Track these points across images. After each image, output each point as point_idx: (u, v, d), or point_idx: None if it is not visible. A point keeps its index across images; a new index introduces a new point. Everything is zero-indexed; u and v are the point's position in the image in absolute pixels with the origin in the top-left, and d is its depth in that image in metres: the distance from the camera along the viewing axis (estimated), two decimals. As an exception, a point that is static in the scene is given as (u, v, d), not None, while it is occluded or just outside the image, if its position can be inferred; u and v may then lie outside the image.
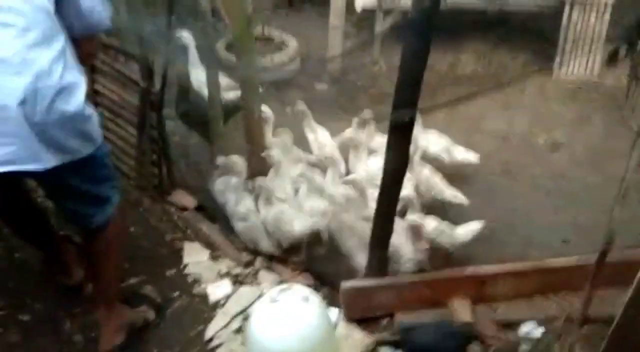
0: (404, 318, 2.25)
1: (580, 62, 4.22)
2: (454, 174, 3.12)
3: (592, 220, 2.82)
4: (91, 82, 2.81)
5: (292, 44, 4.55)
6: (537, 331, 2.19)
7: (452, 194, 2.80)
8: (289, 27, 4.96)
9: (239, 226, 2.59)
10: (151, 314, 2.24)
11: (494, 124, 3.76)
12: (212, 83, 2.70)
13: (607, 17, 4.08)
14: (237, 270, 2.48)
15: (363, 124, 3.06)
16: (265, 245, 2.53)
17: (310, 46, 4.85)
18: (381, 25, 4.58)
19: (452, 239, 2.48)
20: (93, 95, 2.83)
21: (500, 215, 2.88)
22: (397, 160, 1.84)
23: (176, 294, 2.40)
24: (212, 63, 2.78)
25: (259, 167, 2.73)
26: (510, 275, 2.26)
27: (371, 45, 4.72)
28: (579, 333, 2.17)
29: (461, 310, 2.23)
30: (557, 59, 4.30)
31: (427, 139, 3.06)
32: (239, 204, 2.59)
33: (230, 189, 2.67)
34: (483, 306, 2.27)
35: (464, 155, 3.07)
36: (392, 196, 1.99)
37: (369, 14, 4.66)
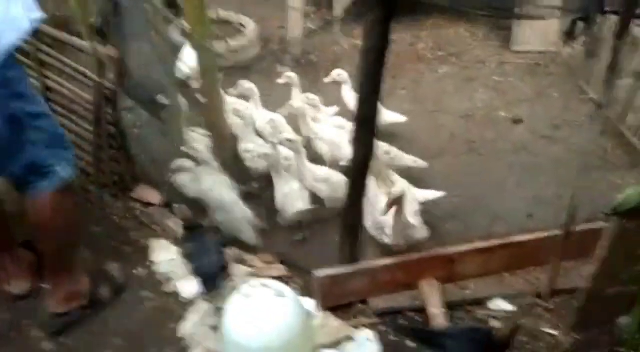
0: (378, 303, 2.28)
1: (537, 35, 4.28)
2: (421, 153, 3.15)
3: (554, 192, 2.91)
4: (42, 77, 2.67)
5: (251, 26, 4.43)
6: (507, 307, 2.25)
7: (411, 159, 2.92)
8: (246, 9, 4.83)
9: (221, 217, 2.60)
10: (106, 292, 2.21)
11: (457, 101, 3.79)
12: (170, 74, 2.61)
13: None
14: (208, 265, 2.43)
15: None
16: (248, 236, 2.57)
17: (270, 28, 4.74)
18: (340, 4, 4.51)
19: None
20: (45, 92, 2.69)
21: (467, 192, 2.93)
22: (363, 152, 1.83)
23: (146, 293, 2.34)
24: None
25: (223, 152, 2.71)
26: (477, 253, 2.30)
27: (331, 24, 4.65)
28: (546, 306, 2.25)
29: (430, 291, 2.27)
30: (514, 33, 4.34)
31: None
32: (223, 196, 2.62)
33: (207, 181, 2.67)
34: (453, 285, 2.32)
35: (392, 117, 3.21)
36: (360, 185, 1.98)
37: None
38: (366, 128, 1.78)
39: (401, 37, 4.44)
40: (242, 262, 2.46)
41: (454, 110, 3.68)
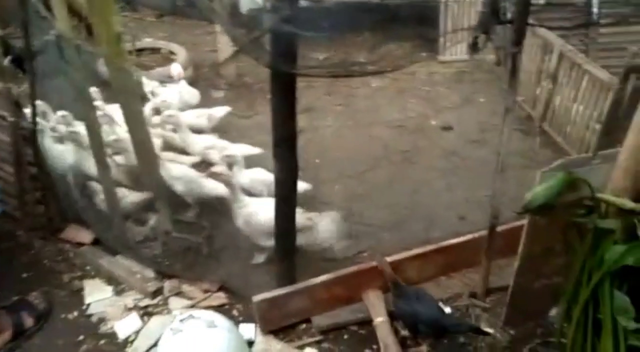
0: (321, 320, 2.28)
1: (461, 45, 4.46)
2: (358, 165, 3.21)
3: (485, 194, 3.01)
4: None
5: (182, 53, 4.41)
6: (446, 310, 2.30)
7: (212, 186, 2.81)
8: (176, 36, 4.82)
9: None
10: (29, 322, 2.23)
11: (389, 112, 3.89)
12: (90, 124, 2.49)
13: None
14: (145, 301, 2.36)
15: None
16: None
17: (201, 53, 4.74)
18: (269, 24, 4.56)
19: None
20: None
21: (403, 201, 2.99)
22: (287, 172, 1.85)
23: (81, 337, 2.24)
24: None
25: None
26: (413, 260, 2.35)
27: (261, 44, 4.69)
28: (482, 306, 2.31)
29: (375, 301, 2.29)
30: (441, 44, 4.51)
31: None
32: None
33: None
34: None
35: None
36: (288, 206, 1.99)
37: (256, 14, 4.61)
38: (286, 148, 1.80)
39: (332, 55, 4.52)
40: (180, 294, 2.40)
41: (388, 122, 3.77)
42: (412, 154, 3.42)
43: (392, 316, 2.23)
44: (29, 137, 2.44)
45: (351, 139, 3.59)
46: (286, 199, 1.95)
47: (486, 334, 2.15)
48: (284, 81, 1.69)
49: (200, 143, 3.12)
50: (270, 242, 2.39)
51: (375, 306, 2.27)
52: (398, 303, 2.17)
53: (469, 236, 2.42)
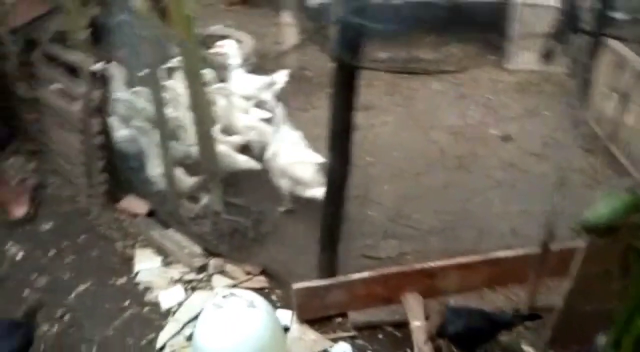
0: (357, 316, 2.28)
1: (530, 54, 4.30)
2: (412, 168, 3.17)
3: (540, 209, 2.89)
4: (32, 89, 2.74)
5: (248, 41, 4.50)
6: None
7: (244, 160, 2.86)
8: (244, 25, 4.91)
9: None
10: None
11: (448, 117, 3.81)
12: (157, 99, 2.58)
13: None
14: (190, 276, 2.45)
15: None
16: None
17: (266, 44, 4.81)
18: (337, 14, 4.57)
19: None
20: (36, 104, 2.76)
21: (455, 208, 2.93)
22: (339, 163, 1.85)
23: (127, 303, 2.36)
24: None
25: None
26: (457, 268, 2.30)
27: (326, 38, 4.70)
28: (525, 324, 2.23)
29: (414, 304, 2.26)
30: (509, 51, 4.38)
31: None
32: None
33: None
34: (433, 300, 2.31)
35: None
36: (338, 199, 1.99)
37: (325, 7, 4.64)
38: (341, 141, 1.81)
39: (396, 54, 4.48)
40: (223, 273, 2.47)
41: (445, 127, 3.70)
42: (468, 161, 3.34)
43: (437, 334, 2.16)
44: (98, 108, 2.57)
45: (407, 140, 3.54)
46: (336, 192, 1.95)
47: None
48: (346, 74, 1.70)
49: (243, 121, 3.10)
50: (283, 186, 2.65)
51: (414, 309, 2.25)
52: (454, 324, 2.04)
53: (519, 250, 2.35)
